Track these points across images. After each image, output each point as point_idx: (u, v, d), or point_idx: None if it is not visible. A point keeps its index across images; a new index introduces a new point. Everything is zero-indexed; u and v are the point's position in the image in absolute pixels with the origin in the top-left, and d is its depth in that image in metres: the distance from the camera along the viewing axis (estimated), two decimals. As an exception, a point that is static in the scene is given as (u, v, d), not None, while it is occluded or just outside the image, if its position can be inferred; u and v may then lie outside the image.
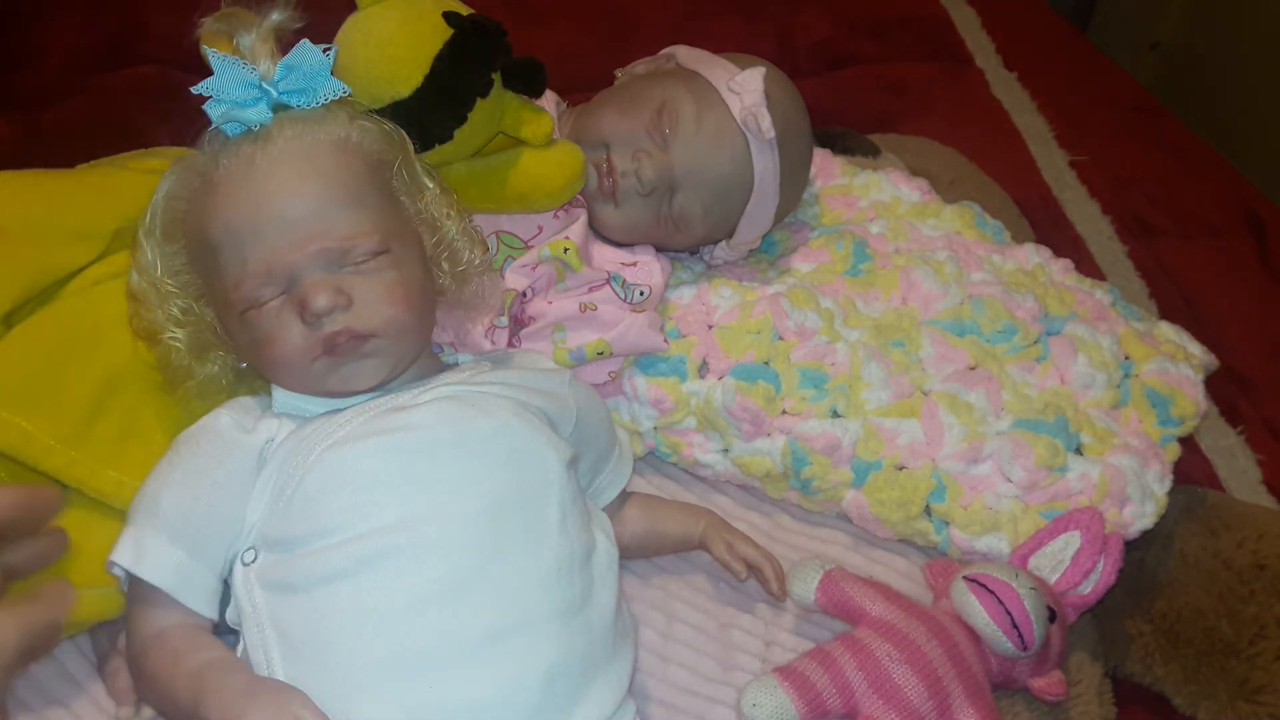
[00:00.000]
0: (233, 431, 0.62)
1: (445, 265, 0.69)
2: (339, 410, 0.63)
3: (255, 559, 0.59)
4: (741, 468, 0.82)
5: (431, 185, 0.70)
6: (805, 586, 0.72)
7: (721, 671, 0.73)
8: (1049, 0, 1.71)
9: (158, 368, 0.67)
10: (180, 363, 0.66)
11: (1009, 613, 0.66)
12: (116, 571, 0.59)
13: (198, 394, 0.67)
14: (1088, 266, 1.12)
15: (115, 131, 1.13)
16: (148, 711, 0.65)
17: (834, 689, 0.65)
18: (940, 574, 0.76)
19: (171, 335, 0.64)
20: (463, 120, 0.72)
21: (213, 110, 0.62)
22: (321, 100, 0.63)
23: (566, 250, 0.80)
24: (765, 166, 0.84)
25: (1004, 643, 0.67)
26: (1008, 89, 1.41)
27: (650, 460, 0.87)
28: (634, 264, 0.86)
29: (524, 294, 0.80)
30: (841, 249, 0.92)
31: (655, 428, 0.83)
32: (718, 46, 0.91)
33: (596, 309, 0.80)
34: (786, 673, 0.66)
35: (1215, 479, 0.94)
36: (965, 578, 0.69)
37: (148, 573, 0.57)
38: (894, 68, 1.42)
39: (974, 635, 0.68)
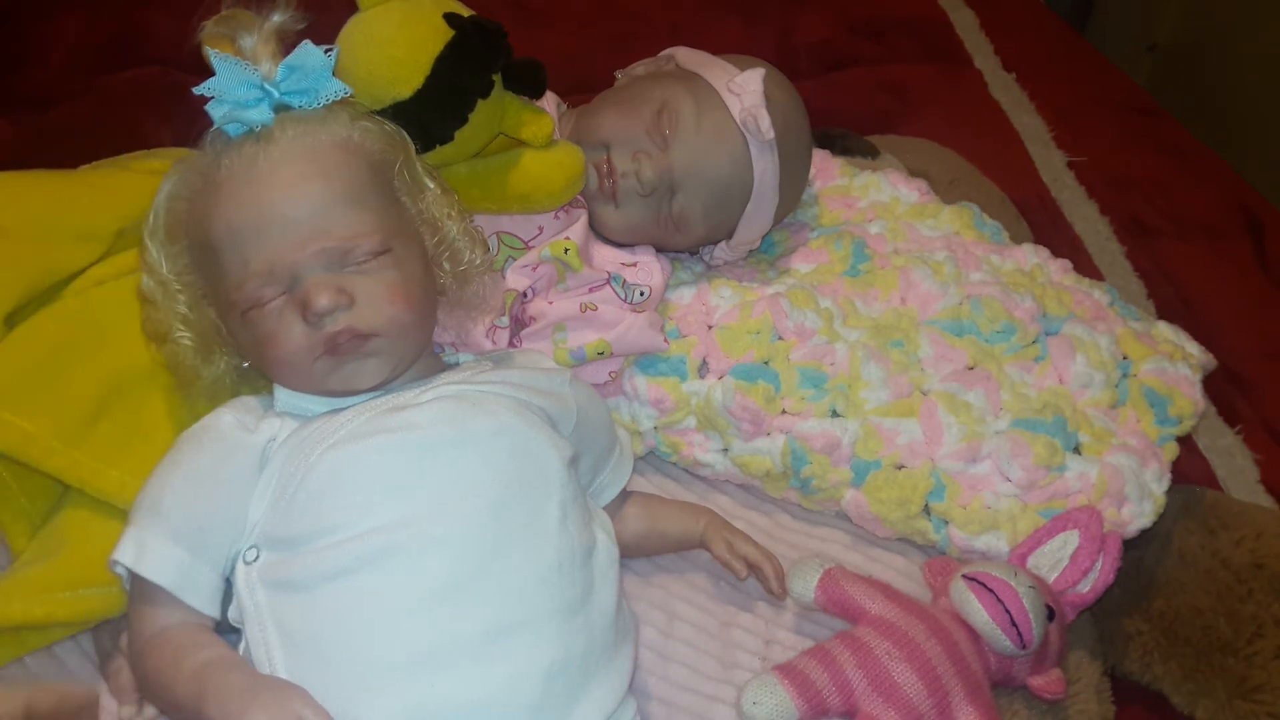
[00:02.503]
0: (235, 431, 0.62)
1: (446, 265, 0.70)
2: (341, 409, 0.63)
3: (257, 557, 0.59)
4: (741, 467, 0.82)
5: (432, 185, 0.70)
6: (805, 585, 0.73)
7: (722, 670, 0.73)
8: (1047, 2, 1.71)
9: (168, 369, 0.67)
10: (189, 363, 0.66)
11: (1008, 611, 0.67)
12: (119, 570, 0.60)
13: (202, 394, 0.67)
14: (1086, 267, 1.12)
15: (117, 132, 1.13)
16: (150, 710, 0.65)
17: (834, 687, 0.65)
18: (939, 572, 0.76)
19: (181, 334, 0.65)
20: (463, 121, 0.72)
21: (214, 111, 0.62)
22: (323, 101, 0.63)
23: (567, 250, 0.80)
24: (765, 167, 0.84)
25: (1003, 641, 0.67)
26: (1006, 90, 1.41)
27: (650, 460, 0.87)
28: (634, 264, 0.86)
29: (525, 294, 0.81)
30: (841, 249, 0.93)
31: (655, 427, 0.83)
32: (717, 48, 0.91)
33: (597, 309, 0.80)
34: (786, 671, 0.66)
35: (1213, 478, 0.94)
36: (964, 576, 0.70)
37: (150, 572, 0.58)
38: (893, 69, 1.42)
39: (973, 633, 0.68)
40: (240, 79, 0.61)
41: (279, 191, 0.61)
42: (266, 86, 0.62)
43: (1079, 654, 0.75)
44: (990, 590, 0.67)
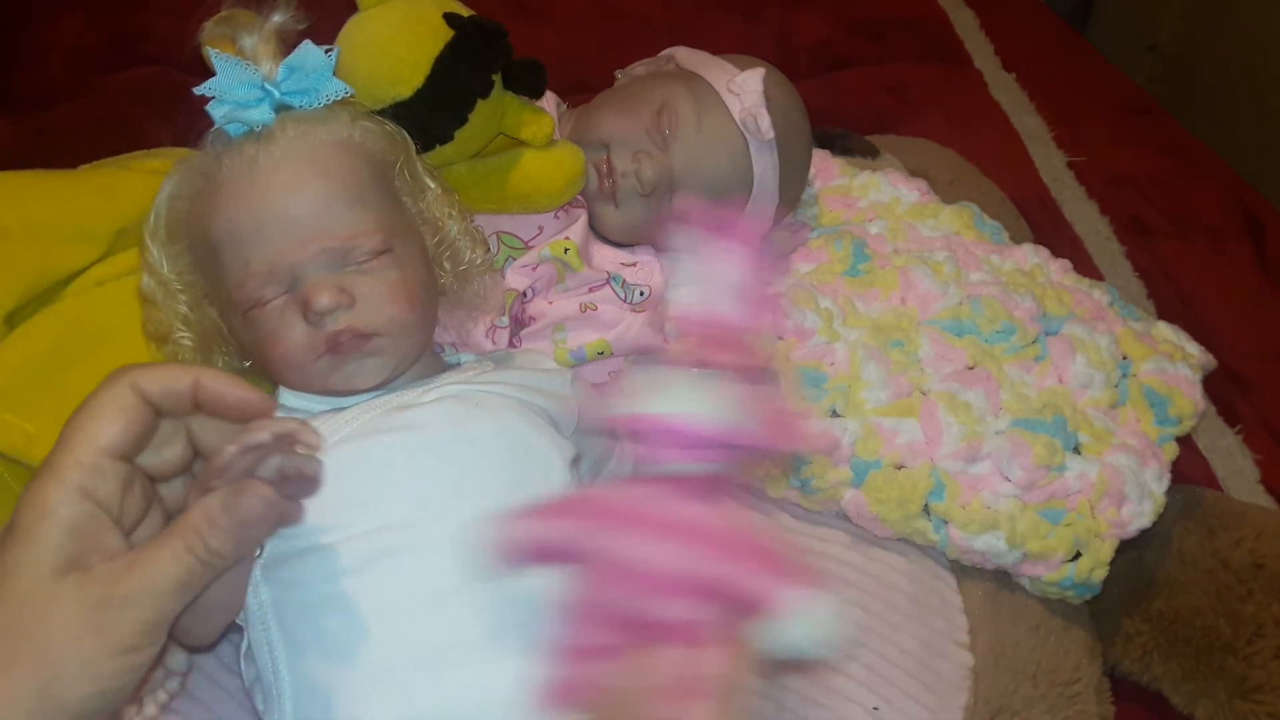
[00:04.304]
0: None
1: (447, 265, 0.70)
2: (342, 409, 0.63)
3: (259, 554, 0.59)
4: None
5: (433, 185, 0.70)
6: None
7: (721, 670, 0.73)
8: (1047, 2, 1.71)
9: None
10: (189, 363, 0.66)
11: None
12: None
13: None
14: (1086, 267, 1.12)
15: (117, 132, 1.13)
16: (151, 709, 0.65)
17: None
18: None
19: (181, 334, 0.65)
20: (463, 121, 0.72)
21: (215, 111, 0.62)
22: (324, 101, 0.63)
23: (567, 250, 0.80)
24: (764, 167, 0.84)
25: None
26: (1006, 90, 1.41)
27: (650, 460, 0.87)
28: (634, 264, 0.86)
29: (524, 294, 0.81)
30: (840, 249, 0.93)
31: (655, 427, 0.83)
32: (717, 48, 0.91)
33: (597, 309, 0.81)
34: None
35: (1213, 478, 0.94)
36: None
37: None
38: (893, 69, 1.43)
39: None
40: (241, 79, 0.61)
41: (280, 191, 0.61)
42: (267, 86, 0.62)
43: (1078, 654, 0.75)
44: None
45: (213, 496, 0.43)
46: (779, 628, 0.43)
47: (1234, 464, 0.96)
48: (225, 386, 0.45)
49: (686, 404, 0.45)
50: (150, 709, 0.65)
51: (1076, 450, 0.80)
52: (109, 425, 0.42)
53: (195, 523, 0.42)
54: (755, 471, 0.53)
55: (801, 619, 0.43)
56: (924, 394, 0.82)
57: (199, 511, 0.43)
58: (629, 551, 0.45)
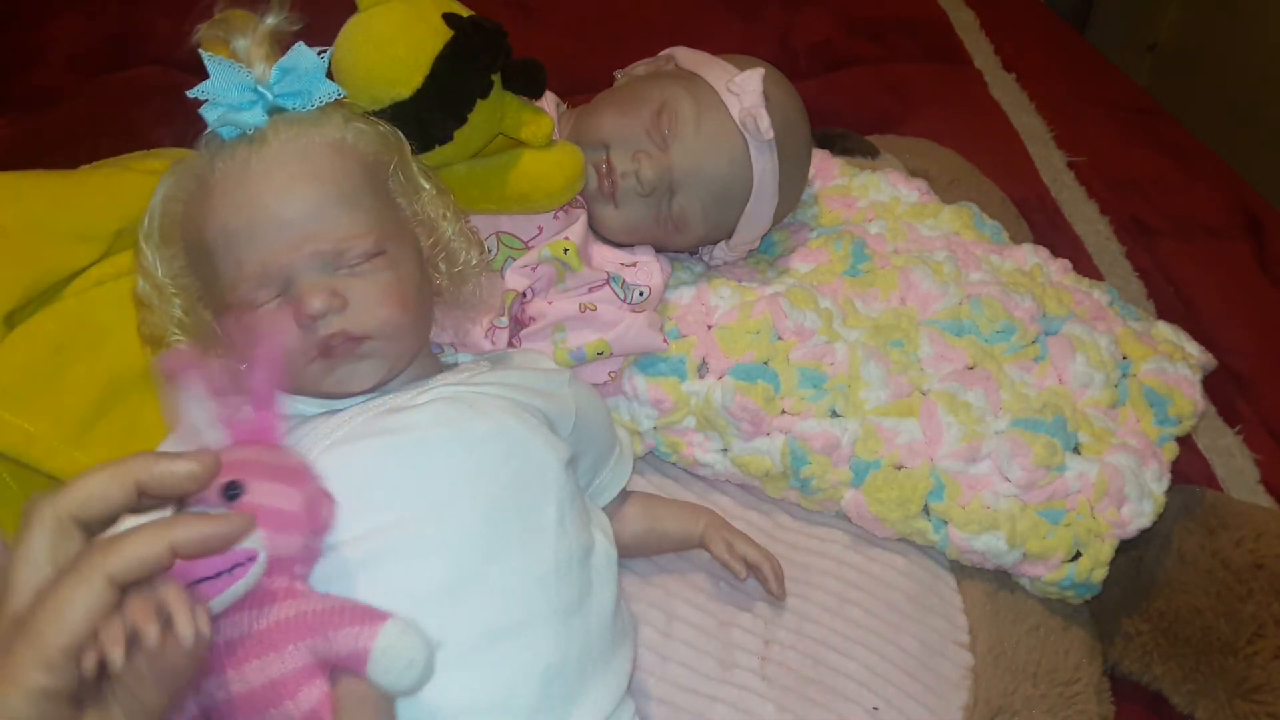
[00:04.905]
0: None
1: (442, 266, 0.70)
2: (336, 412, 0.63)
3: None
4: (741, 467, 0.82)
5: (428, 186, 0.70)
6: None
7: (721, 670, 0.73)
8: (1047, 2, 1.72)
9: None
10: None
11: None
12: None
13: None
14: (1086, 267, 1.13)
15: (117, 132, 1.14)
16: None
17: None
18: None
19: (177, 338, 0.65)
20: (463, 121, 0.72)
21: (209, 114, 0.62)
22: (316, 103, 0.63)
23: (566, 250, 0.80)
24: (764, 167, 0.84)
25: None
26: (1006, 90, 1.41)
27: (650, 460, 0.87)
28: (634, 264, 0.86)
29: (524, 294, 0.81)
30: (840, 249, 0.93)
31: (655, 427, 0.83)
32: (717, 48, 0.91)
33: (596, 309, 0.80)
34: None
35: (1213, 478, 0.94)
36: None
37: None
38: (893, 69, 1.43)
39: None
40: (234, 82, 0.61)
41: (272, 194, 0.60)
42: (260, 89, 0.61)
43: (1079, 654, 0.75)
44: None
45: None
46: (379, 664, 0.47)
47: (1234, 464, 0.96)
48: (203, 530, 0.43)
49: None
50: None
51: (1076, 450, 0.80)
52: (75, 624, 0.40)
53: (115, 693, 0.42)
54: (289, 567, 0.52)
55: (395, 648, 0.47)
56: (924, 394, 0.82)
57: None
58: (235, 686, 0.48)
